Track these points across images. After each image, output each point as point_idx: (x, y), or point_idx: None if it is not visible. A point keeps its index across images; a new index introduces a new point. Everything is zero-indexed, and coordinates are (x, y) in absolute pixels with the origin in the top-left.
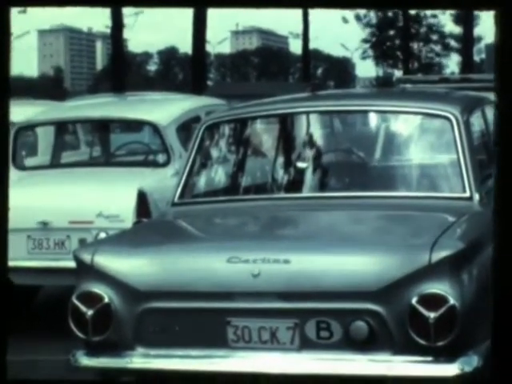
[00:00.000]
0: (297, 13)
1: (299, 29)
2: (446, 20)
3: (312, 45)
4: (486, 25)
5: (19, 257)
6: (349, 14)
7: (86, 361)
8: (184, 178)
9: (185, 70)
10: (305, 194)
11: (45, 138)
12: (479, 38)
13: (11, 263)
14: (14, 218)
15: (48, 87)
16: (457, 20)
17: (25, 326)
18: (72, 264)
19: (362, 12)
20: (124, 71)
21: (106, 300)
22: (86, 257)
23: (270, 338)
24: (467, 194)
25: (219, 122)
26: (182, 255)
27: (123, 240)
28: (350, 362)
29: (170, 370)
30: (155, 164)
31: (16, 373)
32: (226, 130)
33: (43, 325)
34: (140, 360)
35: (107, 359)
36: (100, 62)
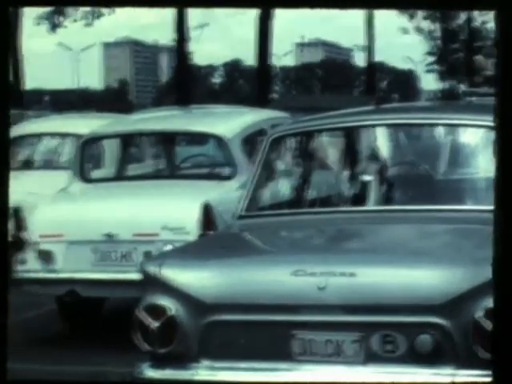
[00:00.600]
0: (361, 25)
1: (364, 41)
2: None
3: (376, 57)
4: None
5: (85, 269)
6: (409, 25)
7: (151, 373)
8: (250, 190)
9: (249, 83)
10: (370, 207)
11: (110, 150)
12: None
13: (77, 275)
14: (80, 231)
15: (113, 100)
16: None
17: (91, 337)
18: (137, 276)
19: (424, 25)
20: (189, 84)
21: (172, 312)
22: (152, 269)
23: (335, 351)
24: None
25: (285, 135)
26: (248, 268)
27: (189, 252)
28: (414, 375)
29: (235, 383)
30: (220, 177)
31: (80, 382)
32: (292, 143)
33: (109, 337)
34: (205, 372)
35: (172, 371)
36: (165, 75)
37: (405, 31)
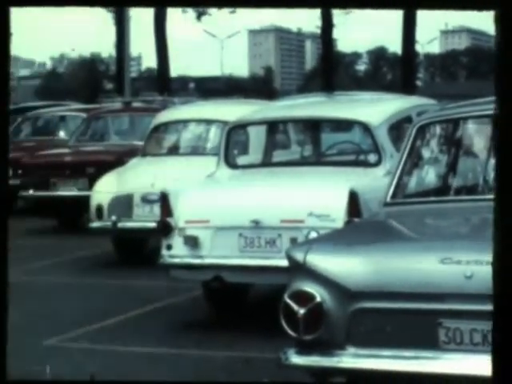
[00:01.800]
0: None
1: None
2: None
3: None
4: None
5: (231, 255)
6: None
7: (296, 359)
8: (396, 178)
9: (394, 70)
10: None
11: (256, 137)
12: None
13: (224, 261)
14: (227, 217)
15: (258, 87)
16: None
17: (236, 323)
18: (283, 262)
19: None
20: (333, 71)
21: (318, 299)
22: (299, 256)
23: (481, 340)
24: None
25: (431, 122)
26: (394, 255)
27: (335, 239)
28: None
29: (380, 371)
30: (366, 164)
31: (226, 367)
32: (438, 130)
33: (254, 322)
34: (350, 360)
35: (318, 358)
36: (309, 62)
37: None
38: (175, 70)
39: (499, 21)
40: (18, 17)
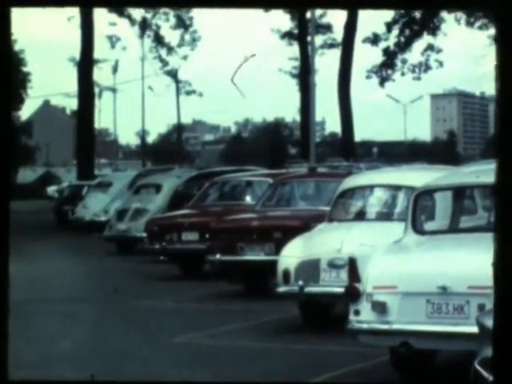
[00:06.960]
0: None
1: None
2: None
3: None
4: None
5: (419, 321)
6: None
7: None
8: None
9: None
10: None
11: (443, 202)
12: None
13: (411, 327)
14: (415, 282)
15: (441, 151)
16: None
17: None
18: (470, 329)
19: None
20: None
21: None
22: (490, 323)
23: None
24: None
25: None
26: None
27: None
28: None
29: None
30: None
31: None
32: None
33: None
34: None
35: None
36: (492, 126)
37: None
38: (358, 135)
39: (499, 21)
40: (204, 84)
